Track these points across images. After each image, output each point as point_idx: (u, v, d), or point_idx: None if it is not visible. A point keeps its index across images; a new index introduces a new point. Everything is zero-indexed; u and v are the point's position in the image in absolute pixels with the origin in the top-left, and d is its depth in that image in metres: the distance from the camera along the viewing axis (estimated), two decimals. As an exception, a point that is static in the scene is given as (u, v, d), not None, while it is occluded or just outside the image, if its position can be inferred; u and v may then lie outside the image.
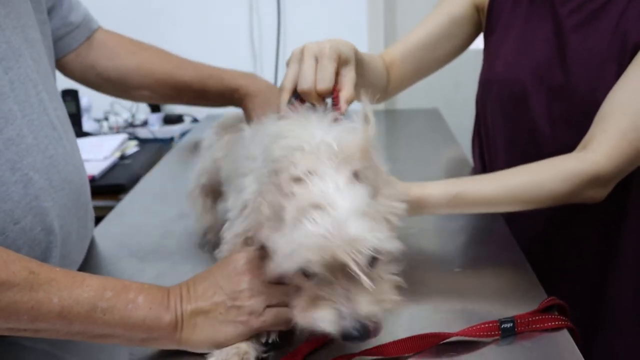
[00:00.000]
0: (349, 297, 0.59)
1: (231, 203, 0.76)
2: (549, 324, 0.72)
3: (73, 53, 1.02)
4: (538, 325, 0.72)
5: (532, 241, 1.09)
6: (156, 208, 1.21)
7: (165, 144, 2.26)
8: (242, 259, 0.69)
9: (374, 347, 0.69)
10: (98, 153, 1.87)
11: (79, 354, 0.73)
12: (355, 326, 0.59)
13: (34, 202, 0.74)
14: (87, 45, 1.03)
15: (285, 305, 0.67)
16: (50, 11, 0.95)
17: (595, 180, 0.88)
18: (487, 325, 0.71)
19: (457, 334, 0.70)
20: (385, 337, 0.69)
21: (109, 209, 1.24)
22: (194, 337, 0.68)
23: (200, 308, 0.68)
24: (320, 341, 0.71)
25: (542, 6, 1.09)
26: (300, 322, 0.63)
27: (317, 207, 0.58)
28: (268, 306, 0.68)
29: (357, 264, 0.58)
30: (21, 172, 0.73)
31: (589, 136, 0.91)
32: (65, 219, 0.81)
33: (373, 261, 0.60)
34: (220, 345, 0.68)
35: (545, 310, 0.74)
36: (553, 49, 1.05)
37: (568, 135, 1.00)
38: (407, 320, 0.75)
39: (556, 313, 0.74)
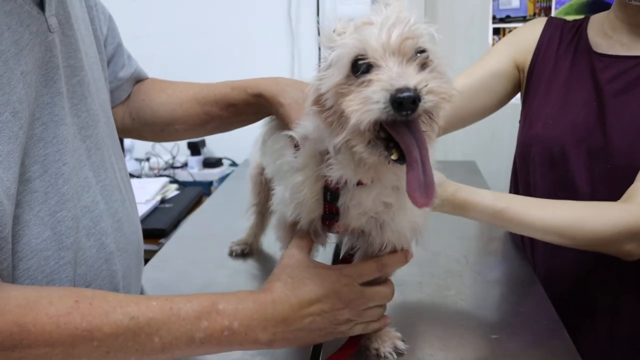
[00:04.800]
0: (400, 74, 0.59)
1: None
2: None
3: (119, 106, 1.03)
4: None
5: (563, 299, 1.08)
6: (197, 255, 1.24)
7: (205, 187, 2.30)
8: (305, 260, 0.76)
9: None
10: (140, 196, 1.90)
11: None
12: (407, 86, 0.57)
13: (104, 266, 0.76)
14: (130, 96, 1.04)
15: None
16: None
17: (637, 234, 0.88)
18: None
19: None
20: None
21: (150, 252, 1.26)
22: (287, 345, 0.73)
23: (295, 327, 0.71)
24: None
25: (582, 71, 1.12)
26: (348, 112, 0.61)
27: (369, 23, 0.63)
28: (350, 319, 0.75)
29: (408, 42, 0.60)
30: (95, 237, 0.75)
31: (633, 189, 0.93)
32: (127, 279, 0.83)
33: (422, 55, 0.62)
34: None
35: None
36: (593, 113, 1.07)
37: (607, 194, 1.01)
38: (444, 387, 0.76)
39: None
